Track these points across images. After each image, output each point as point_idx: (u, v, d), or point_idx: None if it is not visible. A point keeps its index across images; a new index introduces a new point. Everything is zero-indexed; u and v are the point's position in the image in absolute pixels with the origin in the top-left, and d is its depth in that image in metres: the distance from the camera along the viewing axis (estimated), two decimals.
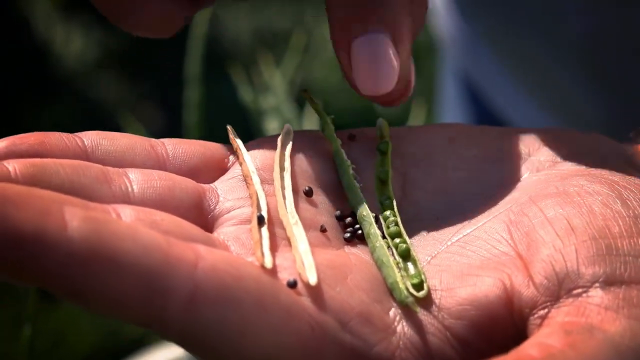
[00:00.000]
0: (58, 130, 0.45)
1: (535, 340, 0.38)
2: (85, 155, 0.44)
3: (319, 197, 0.46)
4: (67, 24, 1.92)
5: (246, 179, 0.45)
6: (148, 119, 1.70)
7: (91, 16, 1.88)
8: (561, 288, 0.40)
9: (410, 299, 0.41)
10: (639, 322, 0.39)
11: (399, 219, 0.45)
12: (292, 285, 0.40)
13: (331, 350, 0.39)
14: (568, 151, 0.47)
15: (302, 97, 0.51)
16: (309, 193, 0.46)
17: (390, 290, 0.42)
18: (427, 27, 1.75)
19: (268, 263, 0.41)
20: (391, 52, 0.46)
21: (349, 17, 0.47)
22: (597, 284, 0.40)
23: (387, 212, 0.45)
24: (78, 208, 0.37)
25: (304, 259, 0.41)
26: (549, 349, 0.37)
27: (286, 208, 0.44)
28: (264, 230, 0.42)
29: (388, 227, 0.45)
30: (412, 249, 0.43)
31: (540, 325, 0.40)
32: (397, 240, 0.44)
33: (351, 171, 0.47)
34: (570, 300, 0.40)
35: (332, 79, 1.75)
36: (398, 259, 0.43)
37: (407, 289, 0.42)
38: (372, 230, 0.44)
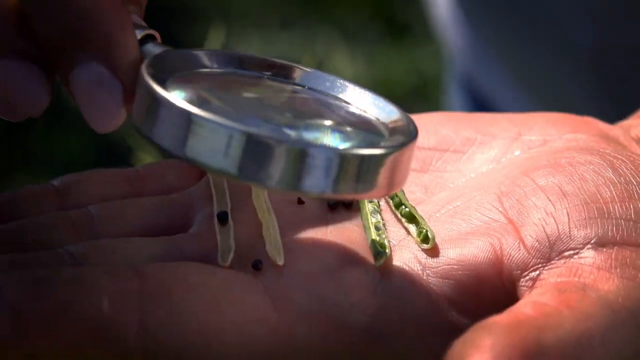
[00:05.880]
0: (72, 162, 0.46)
1: (529, 299, 0.38)
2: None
3: None
4: None
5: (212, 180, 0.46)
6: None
7: None
8: (552, 250, 0.40)
9: (383, 253, 0.41)
10: (632, 282, 0.39)
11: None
12: (257, 266, 0.40)
13: (304, 326, 0.39)
14: (559, 130, 0.47)
15: None
16: None
17: (372, 252, 0.42)
18: (436, 60, 1.75)
19: (228, 262, 0.41)
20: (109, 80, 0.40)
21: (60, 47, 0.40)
22: (589, 245, 0.40)
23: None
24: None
25: (273, 241, 0.42)
26: (543, 307, 0.37)
27: (260, 195, 0.44)
28: (227, 227, 0.43)
29: (392, 198, 0.45)
30: (413, 210, 0.44)
31: (531, 287, 0.39)
32: (402, 207, 0.44)
33: None
34: (562, 261, 0.40)
35: None
36: (379, 218, 0.43)
37: (382, 245, 0.41)
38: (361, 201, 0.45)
